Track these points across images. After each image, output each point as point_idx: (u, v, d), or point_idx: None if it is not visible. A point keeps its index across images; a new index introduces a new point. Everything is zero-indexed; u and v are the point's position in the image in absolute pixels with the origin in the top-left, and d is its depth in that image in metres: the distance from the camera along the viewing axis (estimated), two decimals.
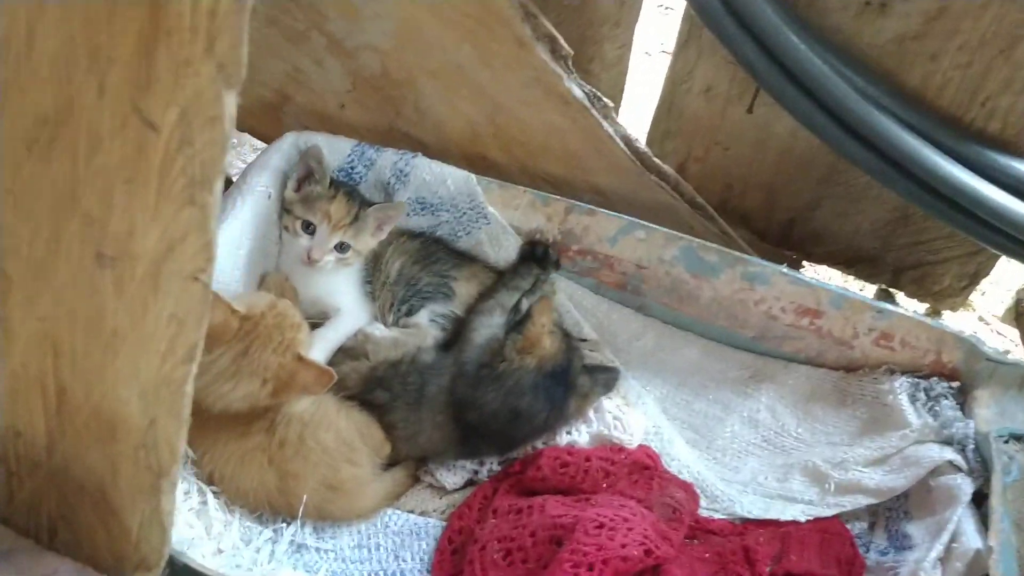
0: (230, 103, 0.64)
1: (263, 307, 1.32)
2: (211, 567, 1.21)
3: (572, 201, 1.60)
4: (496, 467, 1.51)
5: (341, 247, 1.53)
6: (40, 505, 0.89)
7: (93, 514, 0.87)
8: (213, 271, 0.71)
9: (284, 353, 1.29)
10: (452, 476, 1.49)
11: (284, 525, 1.35)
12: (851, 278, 2.05)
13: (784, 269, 1.56)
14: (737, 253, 1.57)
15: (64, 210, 0.69)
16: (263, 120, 1.72)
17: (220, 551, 1.30)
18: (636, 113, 2.11)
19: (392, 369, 1.49)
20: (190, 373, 0.76)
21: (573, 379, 1.49)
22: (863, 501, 1.45)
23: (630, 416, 1.54)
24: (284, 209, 1.55)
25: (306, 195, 1.54)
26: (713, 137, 1.82)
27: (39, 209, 0.70)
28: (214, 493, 1.34)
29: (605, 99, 1.56)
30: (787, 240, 1.89)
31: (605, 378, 1.54)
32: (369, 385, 1.48)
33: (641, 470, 1.49)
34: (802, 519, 1.45)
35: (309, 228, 1.52)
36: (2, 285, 0.73)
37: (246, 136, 1.94)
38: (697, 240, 1.57)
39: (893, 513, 1.45)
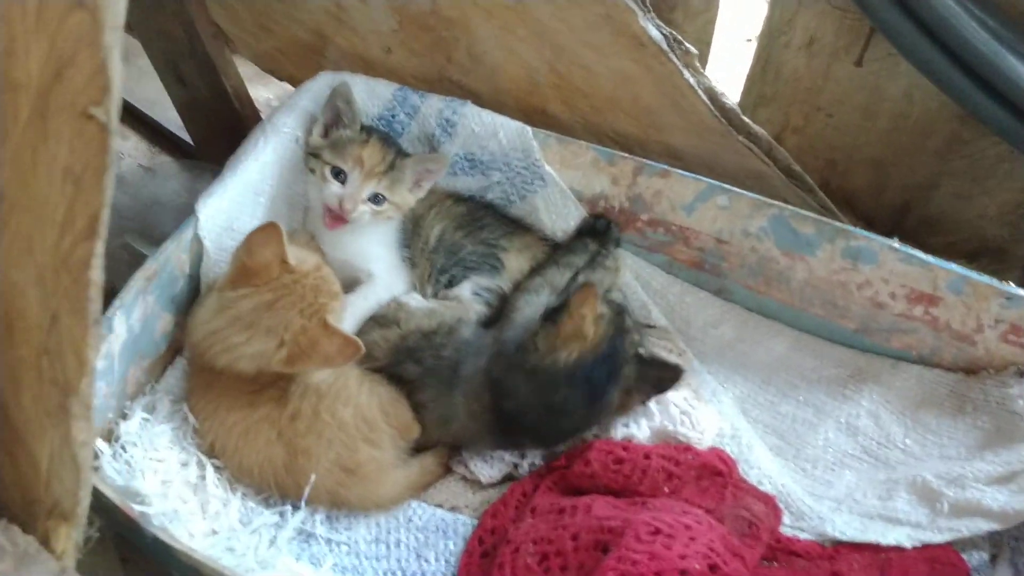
0: None
1: (310, 266, 1.21)
2: (195, 546, 1.06)
3: (643, 160, 1.39)
4: (539, 461, 1.32)
5: (376, 199, 1.36)
6: None
7: None
8: (112, 108, 0.53)
9: (311, 317, 1.17)
10: (488, 468, 1.32)
11: (291, 510, 1.22)
12: None
13: (895, 243, 1.31)
14: (839, 224, 1.33)
15: None
16: (302, 66, 1.57)
17: (215, 532, 1.17)
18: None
19: (425, 340, 1.32)
20: (94, 255, 0.59)
21: (618, 367, 1.26)
22: (984, 526, 1.20)
23: (700, 411, 1.32)
24: (310, 154, 1.40)
25: (335, 140, 1.38)
26: (815, 102, 1.59)
27: None
28: (215, 468, 1.22)
29: (687, 44, 1.34)
30: (899, 227, 1.64)
31: (658, 375, 1.30)
32: (398, 356, 1.32)
33: (712, 476, 1.29)
34: (907, 544, 1.22)
35: (339, 176, 1.36)
36: None
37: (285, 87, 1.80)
38: (790, 208, 1.34)
39: (1022, 544, 1.20)
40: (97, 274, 0.61)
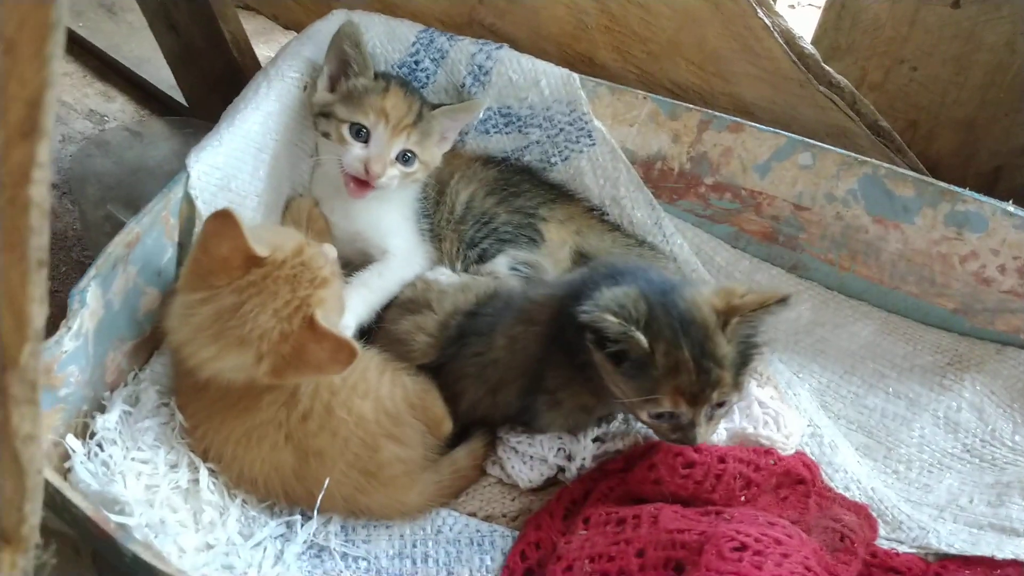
0: None
1: (288, 252, 0.99)
2: (185, 565, 0.87)
3: (711, 111, 1.20)
4: (589, 463, 1.13)
5: (405, 157, 1.17)
6: None
7: None
8: None
9: (290, 318, 0.95)
10: (528, 471, 1.15)
11: (301, 519, 1.07)
12: None
13: (1011, 207, 1.11)
14: (943, 184, 1.14)
15: None
16: (312, 9, 1.38)
17: (210, 546, 1.01)
18: None
19: (470, 320, 1.14)
20: (35, 161, 0.40)
21: None
22: None
23: (786, 412, 1.15)
24: (319, 115, 1.22)
25: (348, 92, 1.20)
26: (897, 53, 1.43)
27: None
28: (210, 471, 1.05)
29: None
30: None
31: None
32: (445, 350, 1.14)
33: (794, 484, 1.14)
34: None
35: (360, 133, 1.16)
36: None
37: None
38: (886, 166, 1.17)
39: None
40: (40, 191, 0.41)
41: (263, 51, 1.80)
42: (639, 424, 1.11)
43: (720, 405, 0.99)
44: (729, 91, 1.30)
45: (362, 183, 1.17)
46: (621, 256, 1.21)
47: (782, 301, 0.96)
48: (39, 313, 0.44)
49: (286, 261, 0.98)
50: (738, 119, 1.22)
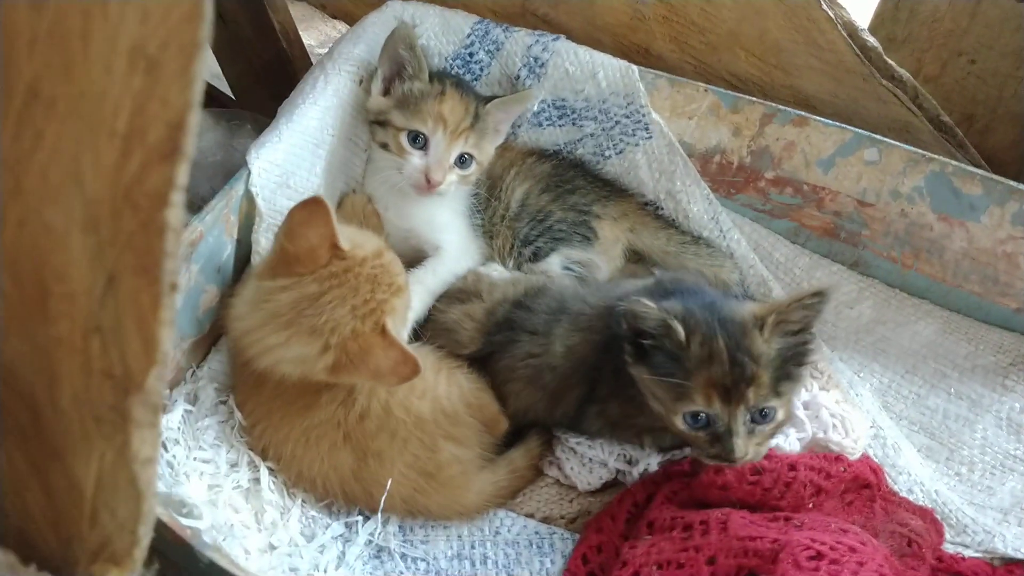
0: None
1: (368, 252, 0.98)
2: (251, 567, 0.86)
3: (775, 104, 1.17)
4: (654, 465, 1.10)
5: (462, 160, 1.15)
6: None
7: (18, 451, 0.49)
8: None
9: (365, 318, 0.94)
10: (587, 473, 1.12)
11: (360, 520, 1.06)
12: None
13: None
14: (1012, 183, 1.11)
15: None
16: (364, 2, 1.33)
17: (273, 547, 0.99)
18: None
19: (516, 309, 1.12)
20: (174, 184, 0.38)
21: None
22: None
23: (853, 415, 1.12)
24: (375, 123, 1.19)
25: (403, 97, 1.17)
26: (956, 45, 1.39)
27: None
28: (270, 470, 1.04)
29: None
30: None
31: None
32: (489, 335, 1.12)
33: (859, 488, 1.11)
34: None
35: (418, 141, 1.14)
36: None
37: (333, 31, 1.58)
38: (954, 163, 1.14)
39: None
40: (176, 215, 0.39)
41: (305, 39, 1.78)
42: None
43: (762, 414, 0.95)
44: (790, 84, 1.26)
45: (422, 189, 1.16)
46: (689, 273, 1.18)
47: (817, 295, 0.92)
48: (167, 336, 0.42)
49: (367, 260, 0.97)
50: (802, 113, 1.19)
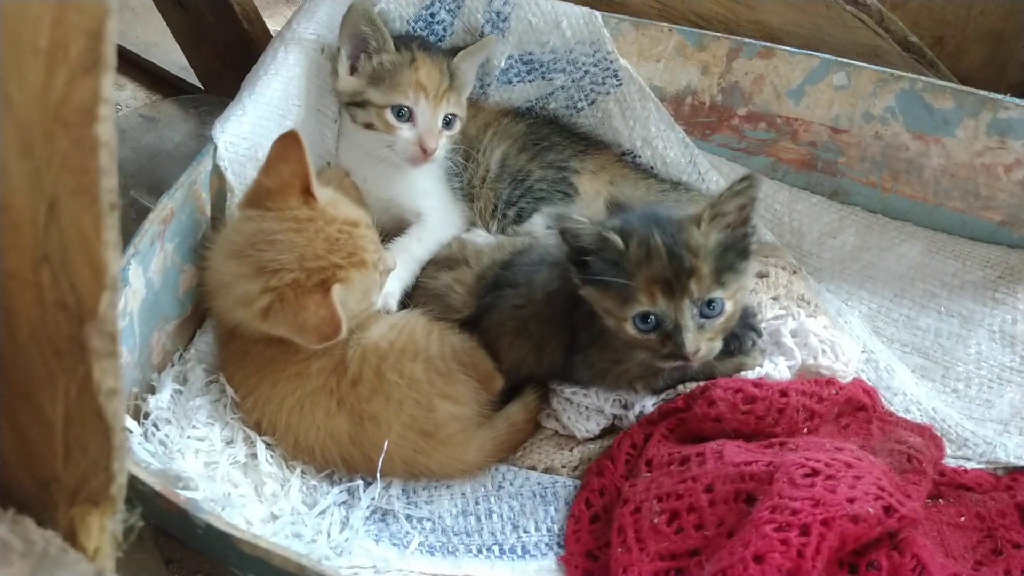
0: None
1: (342, 216, 0.99)
2: (256, 534, 0.85)
3: (739, 38, 1.17)
4: (649, 407, 1.10)
5: (447, 122, 1.18)
6: None
7: None
8: None
9: (311, 273, 0.94)
10: (585, 421, 1.13)
11: (362, 485, 1.06)
12: None
13: None
14: (983, 93, 1.11)
15: None
16: None
17: (275, 516, 1.00)
18: None
19: (505, 270, 1.13)
20: (100, 97, 0.37)
21: None
22: None
23: (841, 339, 1.12)
24: (351, 104, 1.19)
25: (374, 72, 1.17)
26: None
27: None
28: (267, 445, 1.04)
29: None
30: None
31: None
32: (481, 296, 1.13)
33: (854, 411, 1.12)
34: None
35: (403, 114, 1.13)
36: None
37: None
38: (923, 79, 1.14)
39: None
40: (107, 129, 0.39)
41: (270, 25, 1.77)
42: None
43: (709, 306, 0.95)
44: (755, 18, 1.26)
45: (416, 159, 1.16)
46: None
47: (745, 179, 0.93)
48: (114, 259, 0.42)
49: (336, 220, 0.97)
50: (768, 44, 1.19)
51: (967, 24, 1.42)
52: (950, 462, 1.11)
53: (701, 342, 0.95)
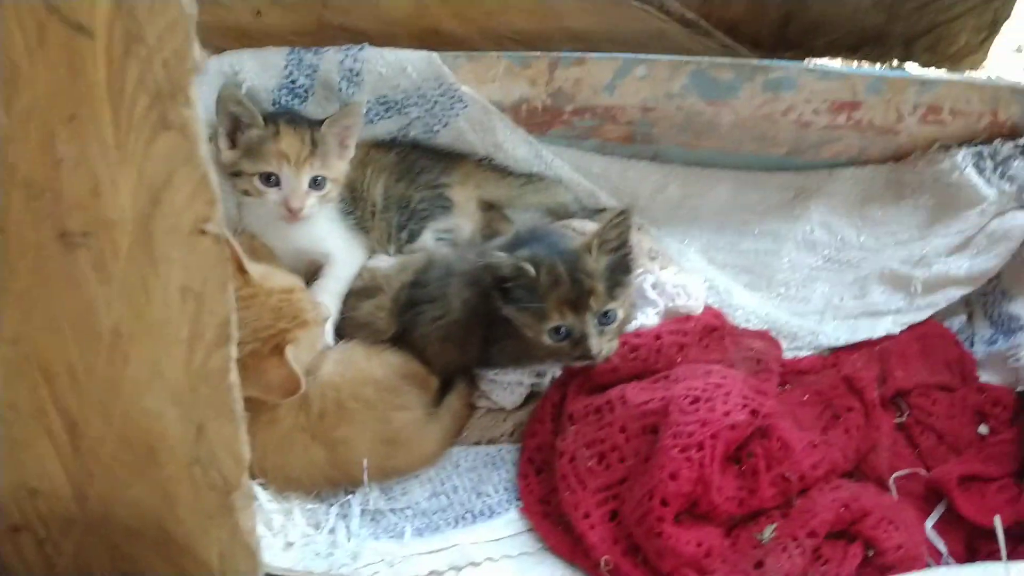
0: None
1: (277, 286, 1.14)
2: (285, 565, 1.05)
3: (555, 53, 1.39)
4: (558, 371, 1.34)
5: (316, 183, 1.31)
6: (90, 566, 0.70)
7: (158, 558, 0.68)
8: (220, 215, 0.50)
9: (266, 341, 1.10)
10: (510, 395, 1.34)
11: (349, 497, 1.22)
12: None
13: (810, 65, 1.38)
14: (755, 61, 1.39)
15: None
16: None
17: (290, 544, 1.16)
18: None
19: (416, 288, 1.32)
20: (230, 358, 0.56)
21: None
22: (956, 293, 1.34)
23: (689, 281, 1.37)
24: (231, 175, 1.32)
25: (247, 145, 1.31)
26: None
27: None
28: (261, 485, 1.19)
29: None
30: (783, 41, 1.68)
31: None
32: (401, 316, 1.31)
33: (710, 333, 1.34)
34: (895, 330, 1.35)
35: (271, 180, 1.29)
36: None
37: None
38: (706, 59, 1.39)
39: (989, 298, 1.35)
40: (235, 376, 0.58)
41: None
42: None
43: (606, 316, 1.18)
44: (563, 26, 1.46)
45: (290, 216, 1.30)
46: (535, 222, 1.40)
47: (620, 214, 1.17)
48: (247, 449, 0.62)
49: (274, 291, 1.12)
50: (579, 54, 1.40)
51: None
52: (788, 355, 1.34)
53: (603, 344, 1.19)
